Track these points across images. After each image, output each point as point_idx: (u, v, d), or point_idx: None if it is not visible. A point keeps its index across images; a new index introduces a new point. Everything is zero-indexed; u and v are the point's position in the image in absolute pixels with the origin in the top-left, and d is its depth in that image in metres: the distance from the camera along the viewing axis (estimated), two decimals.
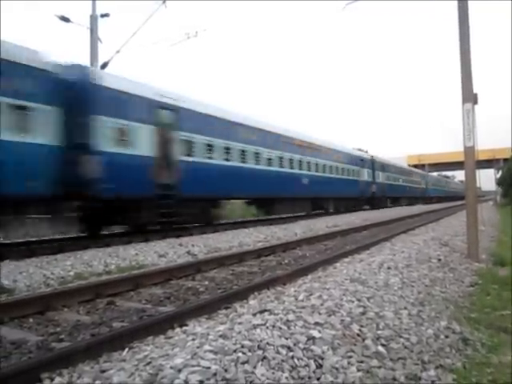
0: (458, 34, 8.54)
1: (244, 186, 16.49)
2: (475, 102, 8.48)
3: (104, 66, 16.30)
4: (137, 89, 11.97)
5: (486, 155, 48.05)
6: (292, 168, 20.53)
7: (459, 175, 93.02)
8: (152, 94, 12.36)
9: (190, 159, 13.67)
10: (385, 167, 35.28)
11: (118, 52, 16.38)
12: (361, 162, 30.06)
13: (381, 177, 33.78)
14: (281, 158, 19.44)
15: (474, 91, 8.48)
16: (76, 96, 10.40)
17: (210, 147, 14.70)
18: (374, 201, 31.82)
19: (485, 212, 21.04)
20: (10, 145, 8.70)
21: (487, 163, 53.33)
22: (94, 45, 15.95)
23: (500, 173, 50.52)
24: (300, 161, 21.30)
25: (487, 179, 58.72)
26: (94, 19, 16.13)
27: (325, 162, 24.22)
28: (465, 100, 8.47)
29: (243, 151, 16.60)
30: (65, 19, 15.92)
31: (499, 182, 49.56)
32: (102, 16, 16.47)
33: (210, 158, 14.70)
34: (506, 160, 49.43)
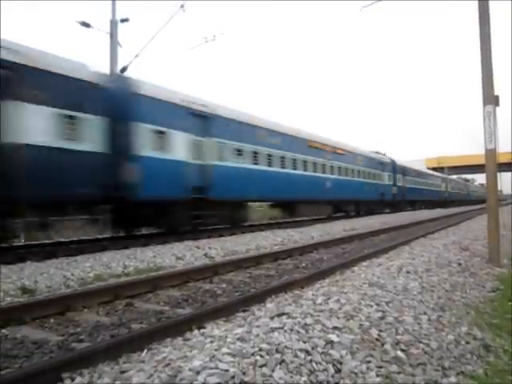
0: (478, 35, 8.42)
1: (412, 194, 36.85)
2: (497, 103, 8.32)
3: (123, 70, 16.51)
4: (372, 154, 30.08)
5: (507, 158, 47.03)
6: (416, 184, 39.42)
7: (479, 178, 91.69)
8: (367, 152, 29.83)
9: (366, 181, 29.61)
10: (450, 181, 56.96)
11: (137, 56, 16.58)
12: (440, 179, 51.06)
13: (449, 188, 54.59)
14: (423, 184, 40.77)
15: (496, 93, 8.33)
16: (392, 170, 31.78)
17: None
18: (446, 203, 50.15)
19: (506, 216, 20.61)
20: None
21: (508, 166, 52.14)
22: (114, 49, 16.18)
23: None
24: (429, 183, 42.99)
25: (508, 182, 57.72)
26: (113, 24, 16.38)
27: (433, 182, 45.81)
28: (486, 102, 8.31)
29: (420, 181, 40.16)
30: (85, 25, 16.20)
31: None
32: (122, 21, 16.70)
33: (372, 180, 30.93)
34: None
